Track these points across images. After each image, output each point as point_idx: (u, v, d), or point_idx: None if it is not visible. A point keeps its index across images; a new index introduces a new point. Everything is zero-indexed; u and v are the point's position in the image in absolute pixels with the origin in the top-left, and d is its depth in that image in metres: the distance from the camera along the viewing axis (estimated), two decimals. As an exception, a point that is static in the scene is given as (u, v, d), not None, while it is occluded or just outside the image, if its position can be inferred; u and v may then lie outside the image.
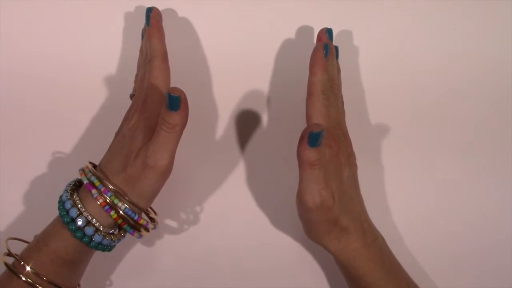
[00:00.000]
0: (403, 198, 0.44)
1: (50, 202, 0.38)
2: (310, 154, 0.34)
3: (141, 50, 0.43)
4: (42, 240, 0.36)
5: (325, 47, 0.39)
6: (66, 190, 0.36)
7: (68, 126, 0.45)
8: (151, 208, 0.40)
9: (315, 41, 0.43)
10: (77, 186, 0.37)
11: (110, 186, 0.35)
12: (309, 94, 0.38)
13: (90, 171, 0.36)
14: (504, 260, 0.44)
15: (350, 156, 0.39)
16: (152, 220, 0.38)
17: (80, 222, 0.35)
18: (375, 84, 0.46)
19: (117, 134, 0.39)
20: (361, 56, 0.46)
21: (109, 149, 0.38)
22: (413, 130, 0.45)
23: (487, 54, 0.46)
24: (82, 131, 0.45)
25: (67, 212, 0.35)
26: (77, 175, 0.38)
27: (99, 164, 0.38)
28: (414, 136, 0.45)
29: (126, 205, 0.35)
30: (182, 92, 0.34)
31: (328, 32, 0.41)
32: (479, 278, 0.44)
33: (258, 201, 0.44)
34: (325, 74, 0.38)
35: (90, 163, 0.38)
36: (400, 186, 0.44)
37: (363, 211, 0.39)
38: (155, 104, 0.37)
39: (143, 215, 0.37)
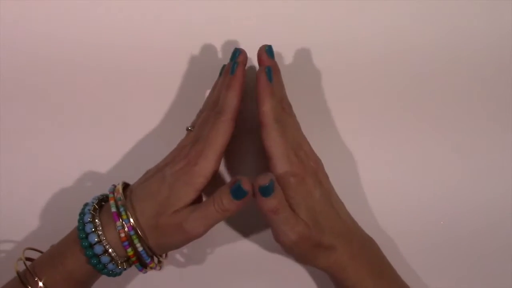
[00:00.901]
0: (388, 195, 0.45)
1: (70, 212, 0.38)
2: (269, 203, 0.34)
3: (214, 87, 0.42)
4: (57, 257, 0.36)
5: (267, 71, 0.38)
6: (88, 210, 0.36)
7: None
8: None
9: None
10: (100, 203, 0.37)
11: (135, 225, 0.35)
12: (263, 125, 0.37)
13: (120, 199, 0.36)
14: (500, 262, 0.45)
15: (318, 173, 0.39)
16: (159, 261, 0.38)
17: (97, 250, 0.35)
18: (360, 80, 0.46)
19: (158, 169, 0.38)
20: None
21: (145, 181, 0.38)
22: (400, 121, 0.45)
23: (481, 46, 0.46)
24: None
25: (87, 236, 0.35)
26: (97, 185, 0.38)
27: (131, 192, 0.37)
28: (405, 130, 0.45)
29: (143, 248, 0.35)
30: (251, 188, 0.34)
31: (267, 50, 0.39)
32: (472, 279, 0.45)
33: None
34: (274, 100, 0.37)
35: (125, 183, 0.38)
36: (382, 183, 0.45)
37: (344, 222, 0.39)
38: (206, 161, 0.36)
39: (154, 258, 0.37)
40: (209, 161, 0.36)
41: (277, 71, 0.39)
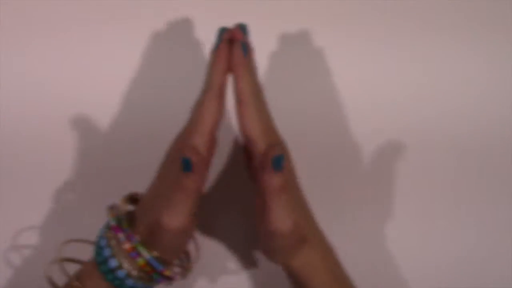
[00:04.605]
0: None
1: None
2: (279, 180, 0.32)
3: None
4: (75, 279, 0.35)
5: (243, 46, 0.35)
6: (104, 226, 0.36)
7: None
8: (187, 253, 0.39)
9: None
10: None
11: (135, 234, 0.34)
12: (240, 102, 0.35)
13: (119, 212, 0.36)
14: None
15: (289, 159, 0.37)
16: (183, 267, 0.37)
17: (112, 264, 0.34)
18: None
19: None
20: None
21: (151, 184, 0.37)
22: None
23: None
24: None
25: (101, 250, 0.34)
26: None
27: (142, 199, 0.37)
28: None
29: (150, 255, 0.34)
30: (194, 154, 0.32)
31: (242, 28, 0.36)
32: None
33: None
34: (251, 75, 0.35)
35: (132, 195, 0.37)
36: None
37: (315, 219, 0.37)
38: (197, 142, 0.34)
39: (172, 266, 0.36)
40: (197, 142, 0.34)
41: (251, 50, 0.36)
